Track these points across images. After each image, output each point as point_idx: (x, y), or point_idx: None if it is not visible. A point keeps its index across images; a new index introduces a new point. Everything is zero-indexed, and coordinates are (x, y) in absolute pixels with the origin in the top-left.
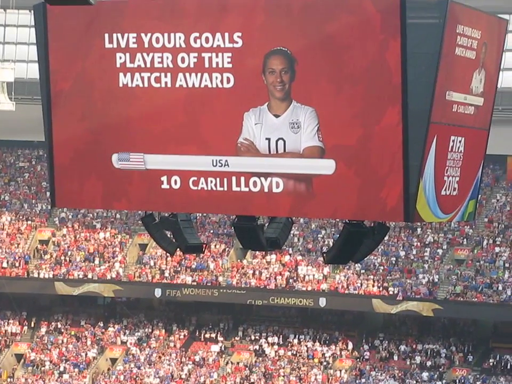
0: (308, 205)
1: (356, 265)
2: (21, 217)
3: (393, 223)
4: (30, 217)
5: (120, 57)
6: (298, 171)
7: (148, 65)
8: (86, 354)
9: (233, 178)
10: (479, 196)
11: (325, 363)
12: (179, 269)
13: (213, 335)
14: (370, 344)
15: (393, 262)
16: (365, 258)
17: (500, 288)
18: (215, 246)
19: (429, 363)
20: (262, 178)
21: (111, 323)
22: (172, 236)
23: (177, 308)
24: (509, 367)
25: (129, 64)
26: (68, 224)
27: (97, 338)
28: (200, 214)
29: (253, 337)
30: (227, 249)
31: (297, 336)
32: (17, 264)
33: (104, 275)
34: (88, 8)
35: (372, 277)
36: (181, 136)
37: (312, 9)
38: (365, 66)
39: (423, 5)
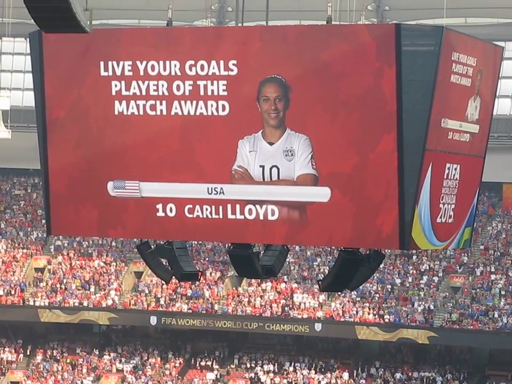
0: (303, 232)
1: (352, 292)
2: (16, 245)
3: (389, 251)
4: (25, 245)
5: (116, 85)
6: (293, 199)
7: (143, 93)
8: (82, 382)
9: (229, 206)
10: (475, 223)
11: None
12: (174, 296)
13: (209, 363)
14: (366, 372)
15: (389, 290)
16: (361, 286)
17: (496, 315)
18: (211, 273)
19: None
20: (257, 206)
21: (107, 351)
22: (167, 264)
23: (172, 336)
24: None
25: (124, 92)
26: (64, 252)
27: (93, 366)
28: (196, 242)
29: (248, 365)
30: (222, 277)
31: (292, 364)
32: (12, 292)
33: (100, 303)
34: (83, 36)
35: (367, 304)
36: (176, 164)
37: (307, 37)
38: (360, 94)
39: (418, 33)
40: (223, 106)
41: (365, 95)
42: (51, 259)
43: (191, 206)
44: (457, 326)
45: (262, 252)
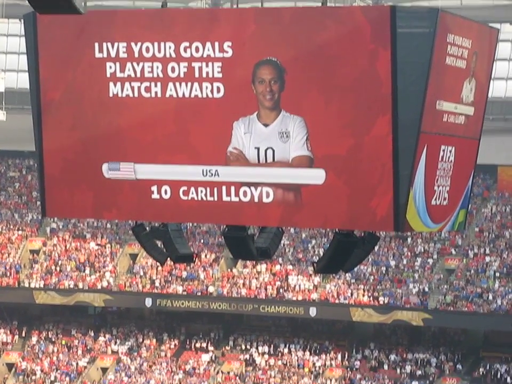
0: (297, 214)
1: (346, 274)
2: (11, 227)
3: (384, 233)
4: (20, 227)
5: (110, 67)
6: (288, 181)
7: (138, 74)
8: (77, 363)
9: (224, 188)
10: (470, 205)
11: (315, 372)
12: (170, 278)
13: (204, 345)
14: (360, 354)
15: (384, 272)
16: (355, 268)
17: (490, 297)
18: (206, 255)
19: (419, 372)
20: (252, 188)
21: (102, 332)
22: (162, 246)
23: (167, 318)
24: (498, 376)
25: (119, 73)
26: (59, 233)
27: (88, 347)
28: (191, 224)
29: (243, 347)
30: (217, 259)
31: (287, 345)
32: (8, 274)
33: (95, 285)
34: (78, 17)
35: (362, 286)
36: (171, 146)
37: (302, 19)
38: (355, 76)
39: (414, 15)
40: (218, 88)
41: (359, 77)
42: (46, 241)
43: (185, 188)
44: (452, 308)
45: (256, 234)
